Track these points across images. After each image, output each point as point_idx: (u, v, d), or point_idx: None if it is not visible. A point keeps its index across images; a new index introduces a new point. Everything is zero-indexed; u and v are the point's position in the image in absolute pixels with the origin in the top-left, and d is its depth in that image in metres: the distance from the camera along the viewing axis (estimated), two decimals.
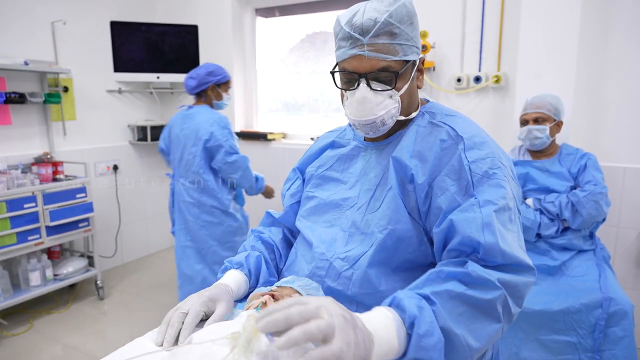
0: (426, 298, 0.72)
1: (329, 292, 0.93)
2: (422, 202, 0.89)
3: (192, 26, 3.66)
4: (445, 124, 0.94)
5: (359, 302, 0.91)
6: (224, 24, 3.60)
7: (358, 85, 0.91)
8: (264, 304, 0.75)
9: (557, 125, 2.11)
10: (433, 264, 0.91)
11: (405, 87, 0.93)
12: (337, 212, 1.02)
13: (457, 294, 0.74)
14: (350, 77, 0.93)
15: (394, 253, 0.90)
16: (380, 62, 0.89)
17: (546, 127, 2.07)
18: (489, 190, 0.84)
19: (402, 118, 0.96)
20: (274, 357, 0.60)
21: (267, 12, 3.69)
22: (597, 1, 2.30)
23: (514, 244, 0.81)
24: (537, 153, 2.18)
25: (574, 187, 2.06)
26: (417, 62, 0.96)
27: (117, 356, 0.69)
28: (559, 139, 2.22)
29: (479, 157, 0.87)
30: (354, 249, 0.94)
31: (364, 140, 1.06)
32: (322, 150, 1.16)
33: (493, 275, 0.76)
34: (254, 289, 1.00)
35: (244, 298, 1.00)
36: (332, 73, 0.97)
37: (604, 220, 2.07)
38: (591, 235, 2.08)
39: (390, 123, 0.95)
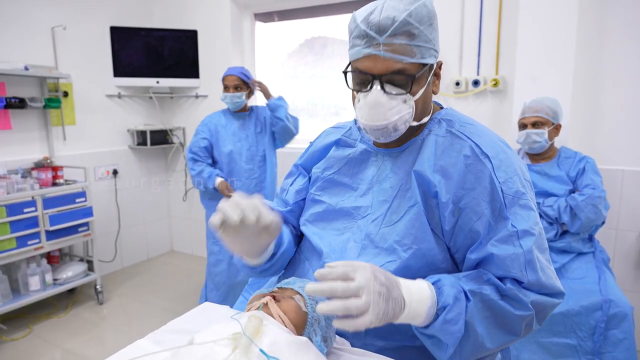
0: (464, 292, 0.79)
1: None
2: (446, 220, 0.86)
3: (191, 31, 3.67)
4: (467, 137, 0.91)
5: None
6: (223, 29, 3.61)
7: (371, 87, 0.86)
8: (265, 305, 0.76)
9: (556, 129, 2.12)
10: None
11: (421, 92, 0.88)
12: (348, 220, 0.99)
13: (489, 299, 0.79)
14: (363, 77, 0.88)
15: (416, 272, 0.87)
16: (396, 64, 0.84)
17: (545, 131, 2.08)
18: (521, 214, 0.84)
19: (415, 124, 0.92)
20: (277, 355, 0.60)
21: (266, 17, 3.70)
22: (593, 5, 2.32)
23: (549, 272, 0.84)
24: (536, 156, 2.19)
25: (572, 191, 2.07)
26: (435, 66, 0.91)
27: (118, 358, 0.69)
28: (558, 142, 2.23)
29: (507, 177, 0.86)
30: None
31: (374, 144, 1.02)
32: (327, 148, 1.11)
33: (529, 297, 0.80)
34: (277, 252, 0.99)
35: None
36: (345, 73, 0.91)
37: (603, 223, 2.07)
38: (590, 238, 2.09)
39: (403, 129, 0.91)
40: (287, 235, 1.05)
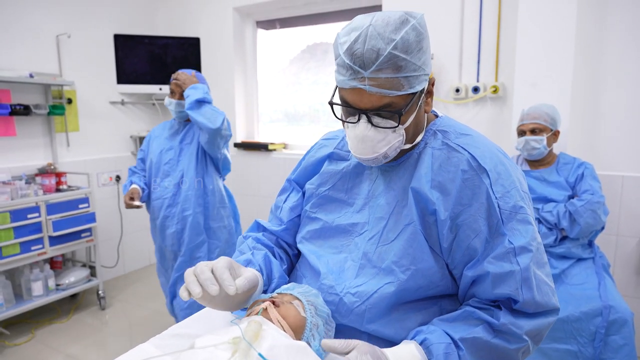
0: (454, 342, 0.78)
1: (338, 330, 0.90)
2: (445, 237, 0.85)
3: (194, 38, 3.71)
4: (464, 149, 0.89)
5: (372, 337, 0.89)
6: (225, 36, 3.65)
7: (358, 119, 0.84)
8: (265, 310, 0.77)
9: (554, 135, 2.14)
10: (455, 295, 0.92)
11: (411, 118, 0.86)
12: (345, 238, 0.97)
13: (483, 342, 0.79)
14: (351, 109, 0.85)
15: (415, 291, 0.87)
16: (383, 99, 0.81)
17: (543, 138, 2.09)
18: (519, 229, 0.82)
19: (407, 146, 0.90)
20: None
21: (268, 24, 3.74)
22: (593, 10, 2.34)
23: (546, 289, 0.83)
24: (535, 163, 2.20)
25: (571, 196, 2.08)
26: (425, 88, 0.87)
27: None
28: (557, 148, 2.25)
29: (505, 191, 0.84)
30: (365, 284, 0.89)
31: None
32: (320, 162, 1.09)
33: (523, 328, 0.80)
34: (267, 289, 0.96)
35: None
36: (331, 104, 0.88)
37: (602, 228, 2.08)
38: (590, 244, 2.10)
39: (394, 154, 0.89)
40: (277, 269, 1.01)
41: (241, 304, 0.89)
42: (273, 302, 0.79)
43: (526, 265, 0.81)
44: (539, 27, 2.34)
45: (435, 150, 0.90)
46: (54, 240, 2.84)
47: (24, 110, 2.88)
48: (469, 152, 0.87)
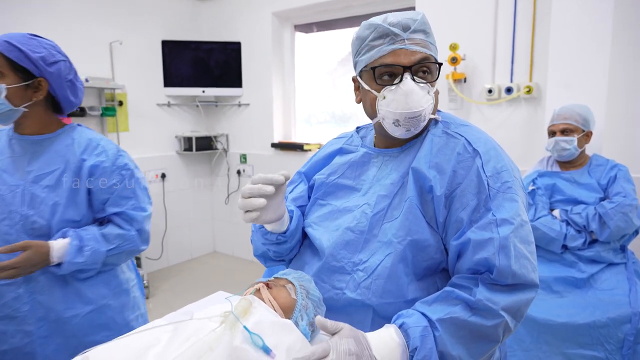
0: (431, 324, 0.82)
1: (347, 303, 0.96)
2: (440, 212, 0.93)
3: (235, 43, 3.88)
4: (461, 136, 0.97)
5: (378, 312, 0.94)
6: (264, 40, 3.79)
7: (401, 79, 0.94)
8: (258, 290, 0.85)
9: (586, 136, 2.09)
10: (443, 270, 0.97)
11: (436, 85, 0.99)
12: (350, 216, 1.03)
13: (460, 320, 0.83)
14: (392, 71, 0.95)
15: (414, 263, 0.94)
16: (421, 54, 0.94)
17: (574, 138, 2.05)
18: (504, 205, 0.89)
19: (433, 117, 1.00)
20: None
21: (306, 27, 3.84)
22: (631, 10, 2.25)
23: (525, 263, 0.87)
24: (566, 164, 2.15)
25: (603, 199, 2.02)
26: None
27: (136, 332, 0.81)
28: (591, 149, 2.19)
29: (495, 172, 0.92)
30: (371, 258, 0.96)
31: (374, 146, 1.09)
32: (331, 156, 1.17)
33: (499, 303, 0.83)
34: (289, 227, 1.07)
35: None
36: (370, 69, 0.96)
37: (637, 233, 2.01)
38: (623, 249, 2.02)
39: (426, 119, 0.98)
40: (295, 212, 1.12)
41: (283, 210, 1.02)
42: (267, 285, 0.87)
43: (505, 235, 0.86)
44: (574, 26, 2.28)
45: (435, 137, 1.00)
46: None
47: (80, 112, 3.14)
48: (465, 138, 0.97)
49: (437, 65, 0.98)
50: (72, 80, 1.40)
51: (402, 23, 0.94)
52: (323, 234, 1.05)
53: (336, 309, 0.97)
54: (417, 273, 0.95)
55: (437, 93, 1.01)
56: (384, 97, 0.96)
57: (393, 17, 0.95)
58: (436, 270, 0.97)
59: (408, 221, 0.94)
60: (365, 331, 0.82)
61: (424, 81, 0.96)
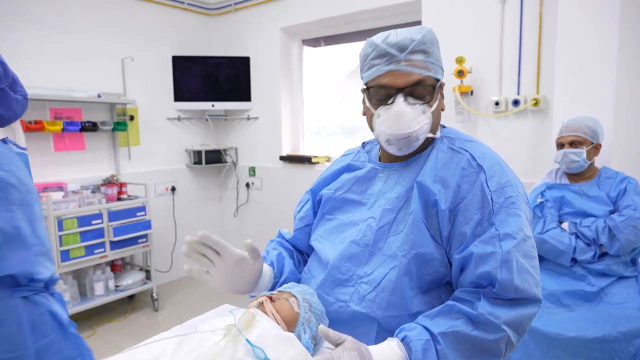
0: (433, 337, 0.83)
1: (352, 316, 0.96)
2: (444, 226, 0.93)
3: (244, 58, 3.94)
4: (466, 151, 0.98)
5: (382, 325, 0.94)
6: (273, 55, 3.85)
7: (394, 100, 0.96)
8: (261, 304, 0.86)
9: (595, 148, 2.08)
10: (447, 283, 0.98)
11: (436, 104, 0.99)
12: (356, 229, 1.04)
13: (462, 334, 0.83)
14: (385, 92, 0.97)
15: (418, 276, 0.94)
16: (416, 76, 0.94)
17: (583, 151, 2.04)
18: (507, 220, 0.89)
19: (431, 135, 1.01)
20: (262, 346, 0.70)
21: (314, 42, 3.90)
22: (635, 19, 2.25)
23: (527, 277, 0.87)
24: (575, 176, 2.14)
25: (612, 212, 2.00)
26: (441, 85, 1.01)
27: (141, 345, 0.82)
28: (600, 161, 2.17)
29: (499, 187, 0.93)
30: (375, 271, 0.97)
31: (379, 161, 1.11)
32: (339, 173, 1.18)
33: (500, 318, 0.84)
34: (278, 280, 1.09)
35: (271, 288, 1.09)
36: (368, 88, 1.00)
37: None
38: (634, 262, 2.00)
39: (422, 139, 0.98)
40: (288, 265, 1.14)
41: (250, 284, 1.03)
42: (270, 298, 0.88)
43: (508, 249, 0.86)
44: (580, 38, 2.29)
45: (440, 152, 1.01)
46: (114, 245, 3.11)
47: (92, 127, 3.20)
48: (469, 153, 0.98)
49: (437, 86, 0.98)
50: (3, 90, 1.23)
51: (400, 44, 0.94)
52: (329, 247, 1.06)
53: (340, 322, 0.97)
54: (422, 286, 0.95)
55: (438, 110, 1.01)
56: (379, 116, 0.99)
57: (394, 36, 0.95)
58: (440, 283, 0.97)
59: (412, 234, 0.95)
60: (369, 344, 0.82)
61: (420, 101, 0.96)
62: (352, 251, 1.01)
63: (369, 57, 0.98)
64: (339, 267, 1.01)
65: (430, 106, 0.97)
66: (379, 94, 0.98)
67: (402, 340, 0.83)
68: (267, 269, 1.07)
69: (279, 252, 1.16)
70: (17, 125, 1.38)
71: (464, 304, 0.86)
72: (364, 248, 1.00)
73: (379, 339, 0.90)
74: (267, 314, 0.83)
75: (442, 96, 1.04)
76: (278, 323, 0.82)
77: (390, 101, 0.96)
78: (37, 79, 3.03)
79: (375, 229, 1.00)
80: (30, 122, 2.91)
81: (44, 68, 3.08)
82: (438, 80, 0.98)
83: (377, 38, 0.98)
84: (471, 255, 0.88)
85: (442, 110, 1.05)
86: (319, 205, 1.18)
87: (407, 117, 0.94)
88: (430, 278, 0.95)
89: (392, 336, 0.87)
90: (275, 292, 0.94)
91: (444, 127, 1.09)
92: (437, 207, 0.94)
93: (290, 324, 0.85)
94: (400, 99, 0.94)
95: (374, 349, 0.81)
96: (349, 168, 1.17)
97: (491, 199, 0.91)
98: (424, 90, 0.96)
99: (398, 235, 0.97)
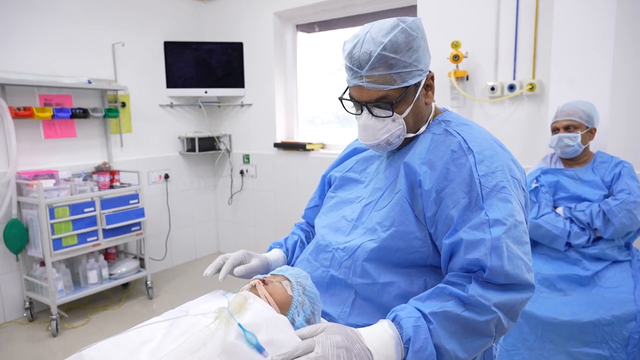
0: (425, 317, 0.83)
1: (332, 280, 1.01)
2: (428, 207, 0.93)
3: (237, 43, 3.89)
4: (459, 134, 0.98)
5: (358, 292, 0.98)
6: (266, 40, 3.79)
7: (362, 111, 0.99)
8: (253, 286, 0.85)
9: (590, 133, 2.07)
10: (432, 266, 0.98)
11: (409, 109, 0.98)
12: (350, 207, 1.10)
13: (453, 314, 0.83)
14: (356, 102, 1.01)
15: (395, 252, 0.96)
16: (378, 93, 0.94)
17: (577, 135, 2.03)
18: (497, 205, 0.88)
19: (411, 135, 1.02)
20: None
21: (308, 27, 3.84)
22: (632, 4, 2.23)
23: (519, 263, 0.87)
24: (570, 161, 2.14)
25: (607, 196, 2.00)
26: (423, 81, 0.99)
27: (130, 330, 0.81)
28: (595, 146, 2.17)
29: (489, 171, 0.92)
30: (352, 240, 1.01)
31: None
32: (347, 156, 1.26)
33: (491, 300, 0.84)
34: (292, 264, 1.16)
35: None
36: (341, 100, 1.04)
37: None
38: (628, 246, 2.01)
39: (398, 142, 1.01)
40: (299, 251, 1.23)
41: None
42: (263, 281, 0.87)
43: (497, 235, 0.85)
44: (576, 23, 2.27)
45: (435, 135, 1.02)
46: (107, 233, 3.08)
47: (83, 114, 3.15)
48: (462, 136, 0.98)
49: (411, 88, 0.96)
50: None
51: (360, 59, 0.93)
52: (324, 221, 1.13)
53: (323, 286, 1.02)
54: (401, 264, 0.97)
55: (418, 108, 1.01)
56: (356, 119, 1.04)
57: (357, 49, 0.94)
58: (424, 265, 0.97)
59: (394, 212, 0.97)
60: (348, 311, 0.88)
61: (388, 112, 0.97)
62: (339, 225, 1.07)
63: (345, 65, 1.00)
64: (324, 235, 1.08)
65: (401, 113, 0.98)
66: (353, 103, 1.02)
67: (393, 319, 0.83)
68: (278, 256, 1.18)
69: (296, 239, 1.26)
70: None
71: (455, 286, 0.86)
72: (349, 222, 1.06)
73: (355, 306, 0.95)
74: (259, 296, 0.82)
75: (431, 87, 1.03)
76: (271, 306, 0.81)
77: (359, 112, 1.01)
78: (25, 64, 2.97)
79: (362, 205, 1.06)
80: (19, 109, 2.86)
81: (32, 53, 3.02)
82: (408, 87, 0.96)
83: (346, 46, 0.98)
84: (460, 242, 0.88)
85: (427, 104, 1.04)
86: (329, 187, 1.25)
87: (372, 130, 0.98)
88: (412, 258, 0.96)
89: (369, 305, 0.90)
90: (268, 275, 0.93)
91: (444, 110, 1.10)
92: (421, 188, 0.95)
93: (283, 307, 0.84)
94: (365, 112, 0.98)
95: (364, 330, 0.81)
96: (355, 151, 1.24)
97: (479, 182, 0.90)
98: (387, 102, 0.96)
99: (380, 211, 1.00)
